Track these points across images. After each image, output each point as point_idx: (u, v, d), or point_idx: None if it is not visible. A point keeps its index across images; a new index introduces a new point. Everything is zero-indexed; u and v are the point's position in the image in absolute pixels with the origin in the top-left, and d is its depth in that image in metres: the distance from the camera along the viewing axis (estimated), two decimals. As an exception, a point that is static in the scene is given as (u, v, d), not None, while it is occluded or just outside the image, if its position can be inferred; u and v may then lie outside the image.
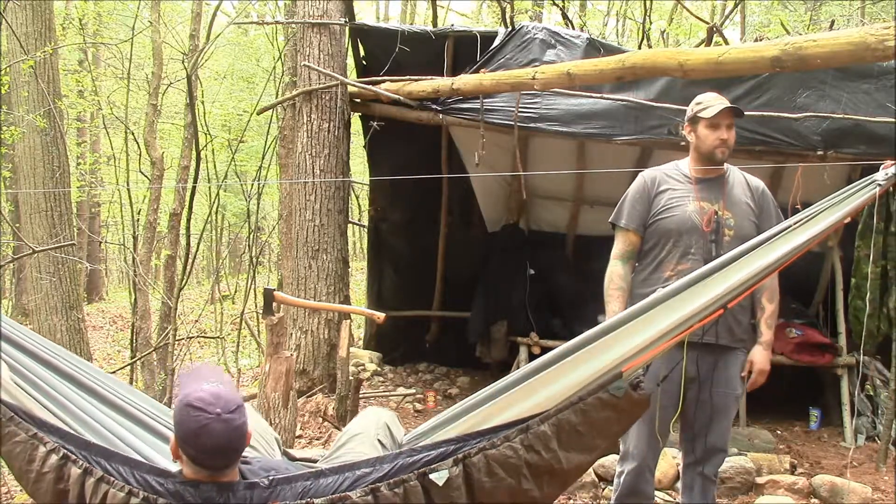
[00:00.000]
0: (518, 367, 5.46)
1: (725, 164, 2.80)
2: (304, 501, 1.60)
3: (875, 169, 2.08)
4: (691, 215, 2.71)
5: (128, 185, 10.37)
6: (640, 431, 2.72)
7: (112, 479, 1.64)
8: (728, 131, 2.73)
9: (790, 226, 2.00)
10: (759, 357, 2.71)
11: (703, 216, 2.69)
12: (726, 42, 5.88)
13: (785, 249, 1.92)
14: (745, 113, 4.40)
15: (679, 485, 3.02)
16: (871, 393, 4.86)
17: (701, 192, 2.75)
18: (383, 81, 5.18)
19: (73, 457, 1.68)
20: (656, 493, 3.63)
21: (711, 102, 2.74)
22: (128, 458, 1.76)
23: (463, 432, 1.76)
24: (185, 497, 1.65)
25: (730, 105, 2.74)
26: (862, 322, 3.77)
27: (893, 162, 2.06)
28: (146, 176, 9.93)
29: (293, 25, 6.33)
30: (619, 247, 2.87)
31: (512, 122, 4.76)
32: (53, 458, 1.67)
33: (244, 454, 1.76)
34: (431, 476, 1.56)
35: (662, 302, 1.90)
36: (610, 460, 3.82)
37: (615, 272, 2.83)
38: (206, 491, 1.65)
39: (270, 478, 1.73)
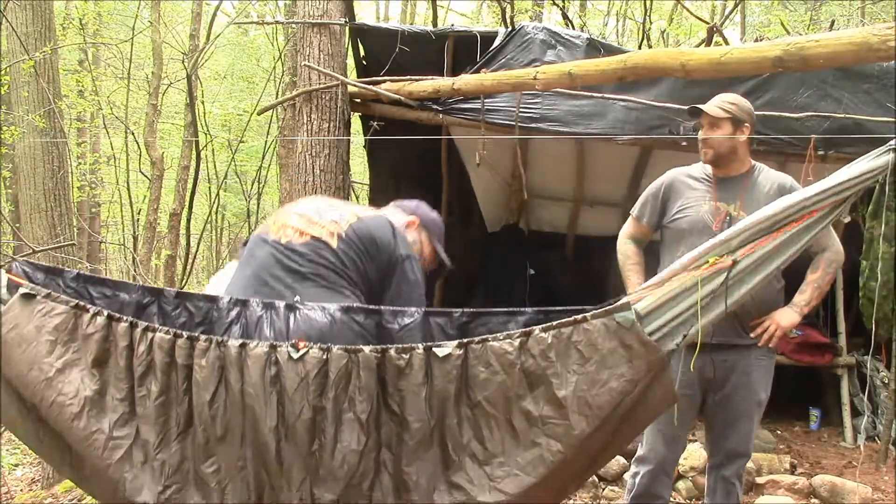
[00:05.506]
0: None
1: (753, 162, 2.79)
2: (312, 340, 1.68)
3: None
4: (704, 216, 2.70)
5: (128, 185, 10.35)
6: (657, 433, 2.73)
7: (156, 326, 1.69)
8: (709, 130, 2.72)
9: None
10: (781, 312, 2.62)
11: (716, 216, 2.68)
12: (726, 42, 5.86)
13: (793, 200, 1.83)
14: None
15: (698, 485, 3.00)
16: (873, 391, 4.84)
17: (719, 191, 2.73)
18: (383, 81, 5.17)
19: (118, 316, 1.69)
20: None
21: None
22: (180, 293, 1.93)
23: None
24: (224, 317, 1.85)
25: (696, 105, 2.75)
26: (874, 303, 3.58)
27: None
28: (146, 176, 9.94)
29: (293, 25, 6.33)
30: (629, 229, 2.93)
31: (513, 122, 4.75)
32: (99, 319, 1.67)
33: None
34: (435, 349, 1.65)
35: None
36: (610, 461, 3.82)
37: (630, 249, 2.88)
38: (250, 308, 1.85)
39: (303, 303, 1.86)
